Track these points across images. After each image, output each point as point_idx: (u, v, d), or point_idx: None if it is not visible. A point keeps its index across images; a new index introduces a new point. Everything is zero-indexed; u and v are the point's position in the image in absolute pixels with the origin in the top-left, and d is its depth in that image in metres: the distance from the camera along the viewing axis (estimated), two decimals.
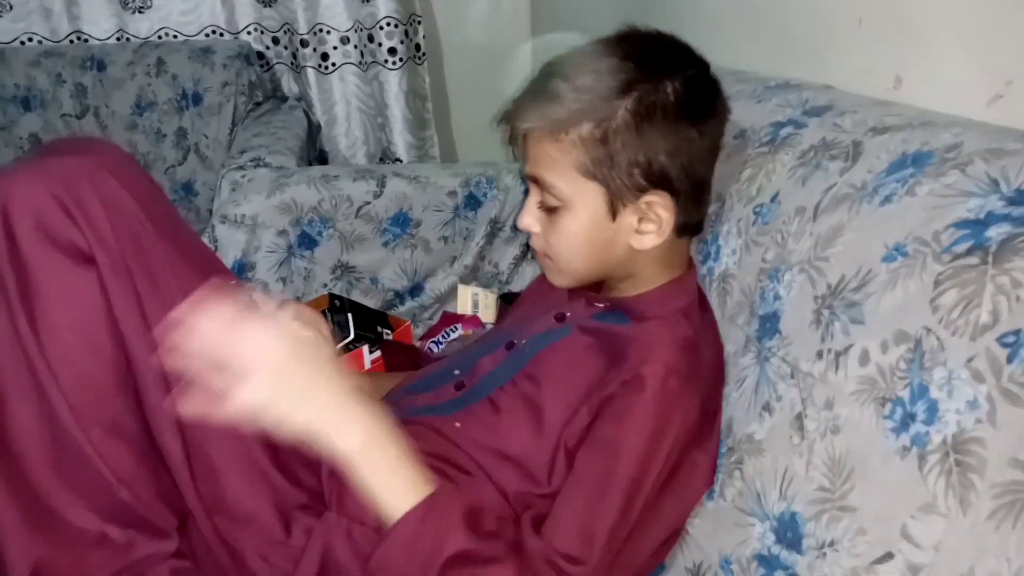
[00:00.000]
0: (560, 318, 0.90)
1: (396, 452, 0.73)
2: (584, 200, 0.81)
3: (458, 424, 0.85)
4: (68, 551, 0.73)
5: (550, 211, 0.83)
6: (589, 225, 0.82)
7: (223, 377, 0.66)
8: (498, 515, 0.78)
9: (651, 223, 0.82)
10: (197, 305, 0.66)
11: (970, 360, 0.55)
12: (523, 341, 0.90)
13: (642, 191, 0.81)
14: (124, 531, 0.73)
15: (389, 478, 0.72)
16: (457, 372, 0.93)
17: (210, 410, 0.66)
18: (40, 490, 0.71)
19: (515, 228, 1.56)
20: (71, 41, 2.15)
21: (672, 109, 0.79)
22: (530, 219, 0.86)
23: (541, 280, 1.08)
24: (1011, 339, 0.53)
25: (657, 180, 0.80)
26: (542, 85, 0.81)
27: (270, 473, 0.78)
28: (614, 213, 0.81)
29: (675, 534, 0.81)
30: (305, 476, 0.81)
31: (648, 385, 0.76)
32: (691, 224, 0.87)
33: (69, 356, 0.69)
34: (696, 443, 0.79)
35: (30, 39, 2.15)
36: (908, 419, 0.58)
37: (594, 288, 0.90)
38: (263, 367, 0.68)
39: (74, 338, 0.69)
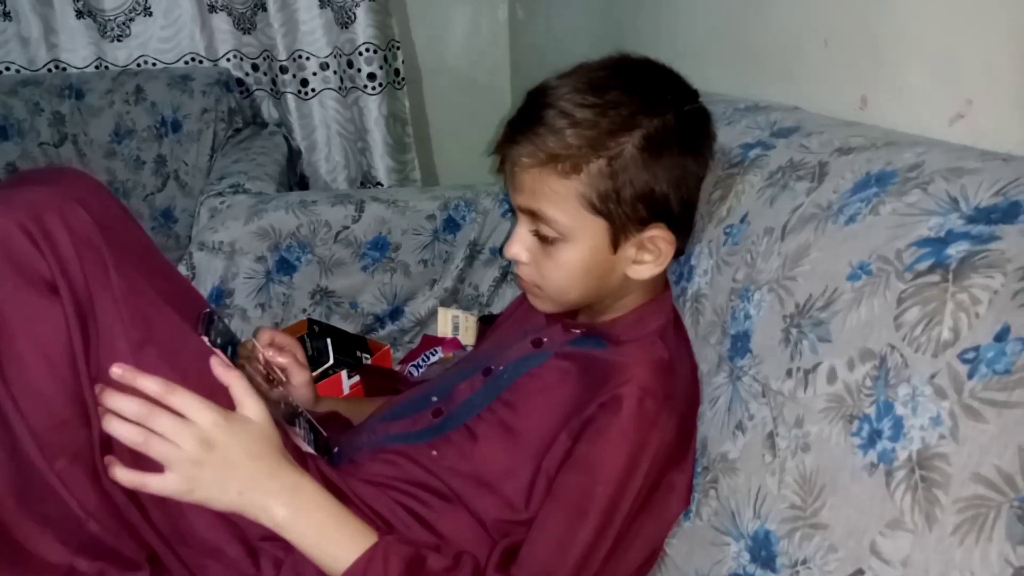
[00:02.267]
0: (537, 343, 0.91)
1: (323, 518, 0.76)
2: (586, 233, 0.80)
3: (435, 452, 0.85)
4: None
5: (544, 241, 0.82)
6: (589, 257, 0.82)
7: (143, 458, 0.71)
8: (461, 548, 0.78)
9: (649, 253, 0.83)
10: (133, 370, 0.70)
11: (933, 377, 0.56)
12: (500, 367, 0.90)
13: (644, 224, 0.81)
14: (93, 563, 0.73)
15: (321, 542, 0.75)
16: (434, 399, 0.93)
17: (138, 483, 0.71)
18: (5, 522, 0.70)
19: (495, 251, 1.57)
20: (49, 70, 2.15)
21: (675, 142, 0.80)
22: (519, 248, 0.84)
23: (518, 303, 1.09)
24: (971, 355, 0.54)
25: (659, 213, 0.81)
26: (539, 116, 0.79)
27: None
28: (615, 245, 0.81)
29: (653, 555, 0.81)
30: None
31: (625, 407, 0.76)
32: (681, 250, 0.88)
33: (33, 386, 0.69)
34: (673, 464, 0.79)
35: (7, 68, 2.15)
36: (875, 436, 0.59)
37: (570, 314, 0.91)
38: (174, 466, 0.72)
39: (38, 368, 0.69)
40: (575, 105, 0.78)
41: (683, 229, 0.85)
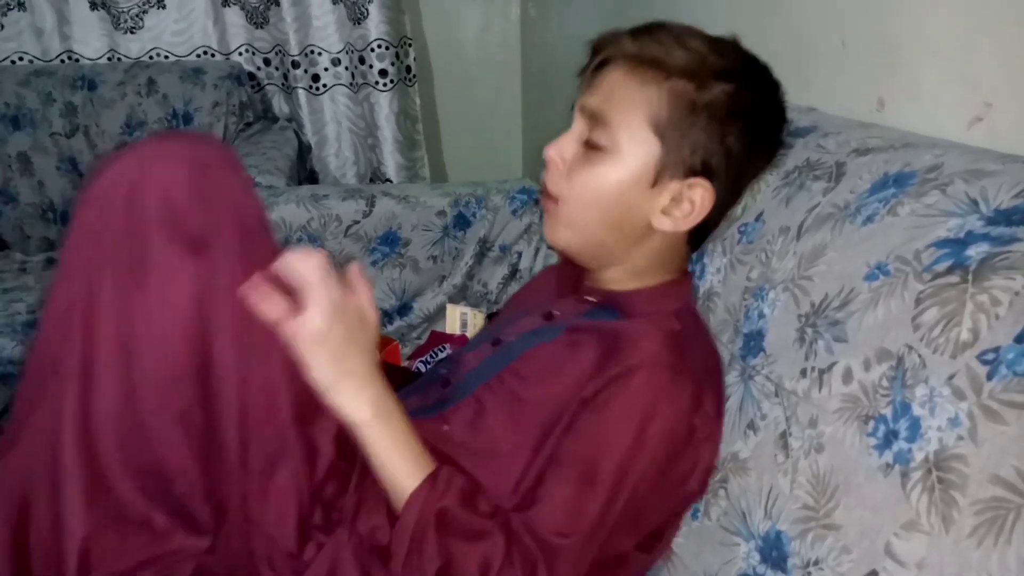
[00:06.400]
0: (548, 316, 0.89)
1: (401, 431, 0.76)
2: (636, 152, 0.80)
3: (447, 427, 0.83)
4: (113, 529, 0.72)
5: (591, 150, 0.81)
6: (627, 180, 0.81)
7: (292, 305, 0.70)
8: (494, 501, 0.78)
9: (680, 209, 0.82)
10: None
11: (951, 377, 0.55)
12: (510, 339, 0.89)
13: (690, 174, 0.81)
14: (168, 519, 0.73)
15: (393, 454, 0.75)
16: (443, 371, 0.93)
17: (276, 317, 0.70)
18: (104, 464, 0.70)
19: (504, 249, 1.57)
20: (62, 61, 2.15)
21: (756, 123, 0.82)
22: (560, 148, 0.84)
23: (526, 288, 1.09)
24: (991, 356, 0.53)
25: (708, 172, 0.81)
26: (649, 28, 0.81)
27: (303, 493, 0.78)
28: (655, 180, 0.81)
29: (667, 524, 0.80)
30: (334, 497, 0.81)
31: (634, 380, 0.75)
32: (706, 230, 0.87)
33: (157, 339, 0.69)
34: (696, 432, 0.76)
35: (21, 58, 2.16)
36: (891, 436, 0.59)
37: (581, 283, 0.90)
38: (322, 314, 0.71)
39: (166, 323, 0.69)
40: (688, 35, 0.80)
41: (721, 206, 0.84)
